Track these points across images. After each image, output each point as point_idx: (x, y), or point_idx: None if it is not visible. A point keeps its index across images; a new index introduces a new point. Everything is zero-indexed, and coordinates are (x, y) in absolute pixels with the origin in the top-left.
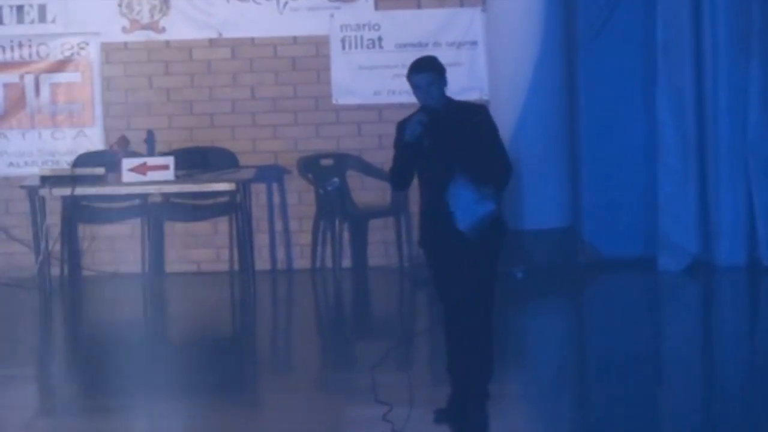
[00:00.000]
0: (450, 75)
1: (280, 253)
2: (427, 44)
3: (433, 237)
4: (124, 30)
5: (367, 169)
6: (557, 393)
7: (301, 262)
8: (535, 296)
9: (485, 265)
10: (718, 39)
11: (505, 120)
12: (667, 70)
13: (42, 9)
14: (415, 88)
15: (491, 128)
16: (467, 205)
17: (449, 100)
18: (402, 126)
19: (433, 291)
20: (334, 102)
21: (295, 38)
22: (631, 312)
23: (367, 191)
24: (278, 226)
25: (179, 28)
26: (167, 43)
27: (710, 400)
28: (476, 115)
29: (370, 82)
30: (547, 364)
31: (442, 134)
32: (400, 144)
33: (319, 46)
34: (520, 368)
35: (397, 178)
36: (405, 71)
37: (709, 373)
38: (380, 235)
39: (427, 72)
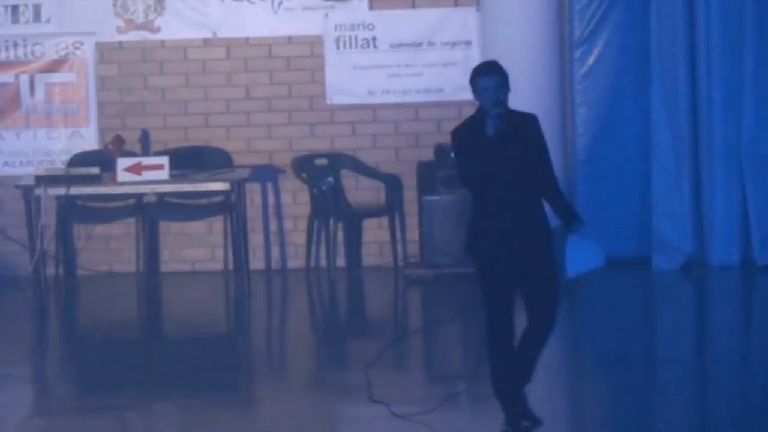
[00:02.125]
0: (445, 74)
1: (275, 253)
2: (421, 44)
3: (490, 246)
4: (119, 30)
5: (362, 169)
6: (551, 389)
7: (296, 261)
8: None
9: (551, 271)
10: (712, 40)
11: None
12: (661, 71)
13: (37, 9)
14: (483, 91)
15: (542, 138)
16: (582, 256)
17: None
18: (458, 133)
19: (431, 290)
20: (328, 102)
21: (289, 38)
22: (625, 310)
23: (362, 191)
24: (273, 225)
25: (174, 28)
26: (162, 42)
27: (703, 397)
28: (529, 123)
29: (365, 81)
30: (540, 361)
31: (507, 138)
32: (463, 148)
33: (313, 46)
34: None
35: (475, 179)
36: (399, 71)
37: (702, 371)
38: (375, 235)
39: (495, 74)
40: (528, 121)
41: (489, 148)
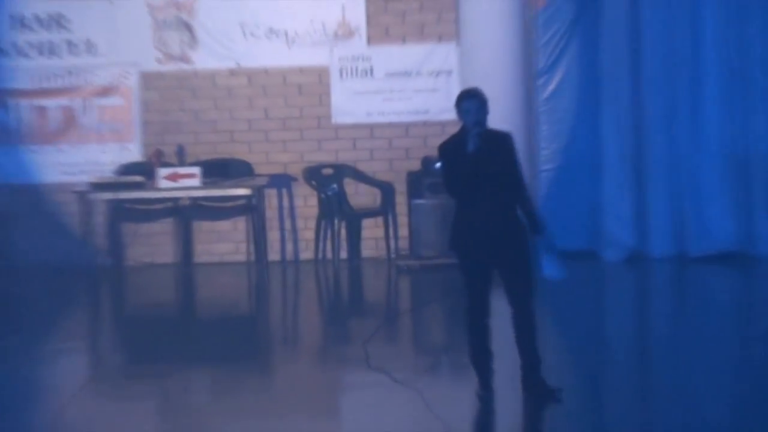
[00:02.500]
0: (429, 99)
1: (289, 247)
2: (410, 73)
3: (469, 242)
4: (159, 61)
5: (361, 177)
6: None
7: (306, 254)
8: (497, 284)
9: (524, 262)
10: (652, 70)
11: None
12: (610, 96)
13: (90, 44)
14: (466, 112)
15: (515, 153)
16: (554, 257)
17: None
18: (444, 147)
19: (418, 278)
20: (333, 121)
21: (300, 69)
22: (579, 294)
23: (361, 195)
24: (287, 224)
25: (205, 60)
26: (195, 72)
27: (637, 372)
28: (504, 140)
29: (363, 105)
30: (497, 343)
31: (485, 153)
32: (448, 160)
33: (320, 75)
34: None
35: (458, 186)
36: (392, 96)
37: (644, 349)
38: (372, 232)
39: (476, 99)
40: (503, 137)
41: (469, 160)
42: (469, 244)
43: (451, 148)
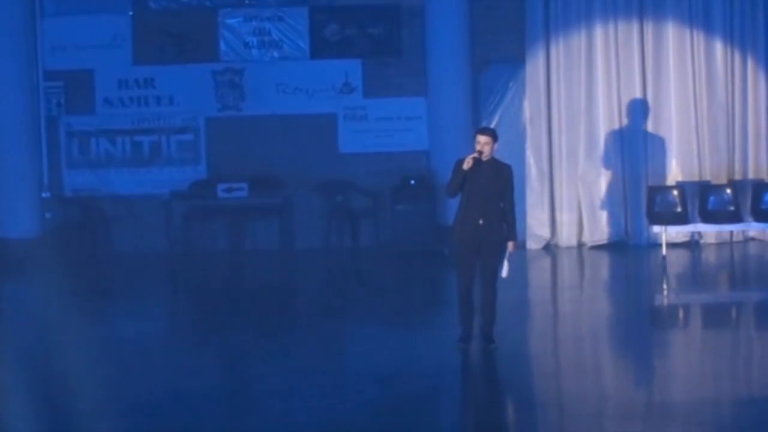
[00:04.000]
0: (406, 136)
1: (309, 238)
2: (393, 118)
3: (464, 235)
4: (218, 109)
5: (359, 190)
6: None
7: (320, 243)
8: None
9: (497, 256)
10: (560, 114)
11: (439, 159)
12: (531, 133)
13: (170, 97)
14: (477, 142)
15: (511, 182)
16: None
17: (493, 157)
18: (459, 161)
19: (398, 261)
20: (339, 151)
21: (317, 114)
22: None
23: (359, 203)
24: (308, 223)
25: (250, 109)
26: (243, 117)
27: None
28: (504, 169)
29: (360, 140)
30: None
31: (484, 173)
32: (457, 170)
33: (330, 119)
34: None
35: (453, 191)
36: (380, 133)
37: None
38: (367, 229)
39: (487, 135)
40: (503, 166)
41: (469, 175)
42: (462, 236)
43: (459, 164)
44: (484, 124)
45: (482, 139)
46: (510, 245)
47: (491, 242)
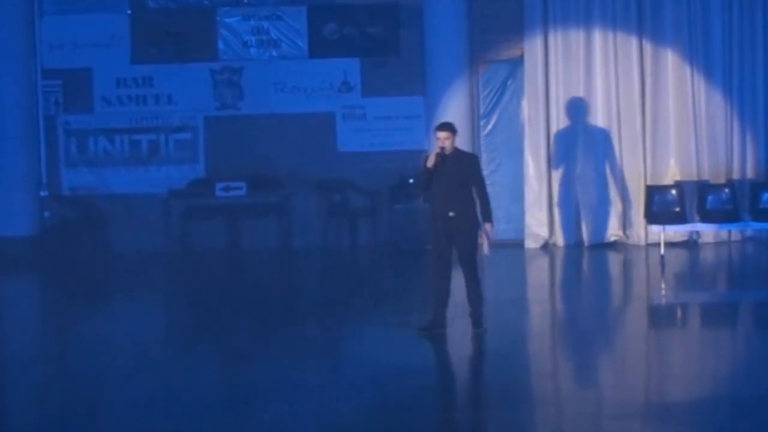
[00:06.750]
0: (404, 135)
1: (307, 237)
2: (391, 117)
3: (437, 228)
4: (216, 108)
5: (358, 189)
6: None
7: (318, 242)
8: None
9: (472, 244)
10: (558, 118)
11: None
12: (529, 134)
13: (168, 96)
14: (437, 138)
15: (478, 169)
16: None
17: (456, 149)
18: (423, 161)
19: (396, 258)
20: (338, 150)
21: (316, 113)
22: (509, 270)
23: (357, 202)
24: (306, 221)
25: (248, 108)
26: (241, 116)
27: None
28: (468, 158)
29: (359, 138)
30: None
31: (449, 166)
32: (423, 170)
33: (329, 117)
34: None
35: (423, 191)
36: (378, 132)
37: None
38: (365, 227)
39: (445, 131)
40: (467, 156)
41: (435, 172)
42: (435, 228)
43: (425, 162)
44: (482, 122)
45: (442, 135)
46: (487, 226)
47: (463, 232)
